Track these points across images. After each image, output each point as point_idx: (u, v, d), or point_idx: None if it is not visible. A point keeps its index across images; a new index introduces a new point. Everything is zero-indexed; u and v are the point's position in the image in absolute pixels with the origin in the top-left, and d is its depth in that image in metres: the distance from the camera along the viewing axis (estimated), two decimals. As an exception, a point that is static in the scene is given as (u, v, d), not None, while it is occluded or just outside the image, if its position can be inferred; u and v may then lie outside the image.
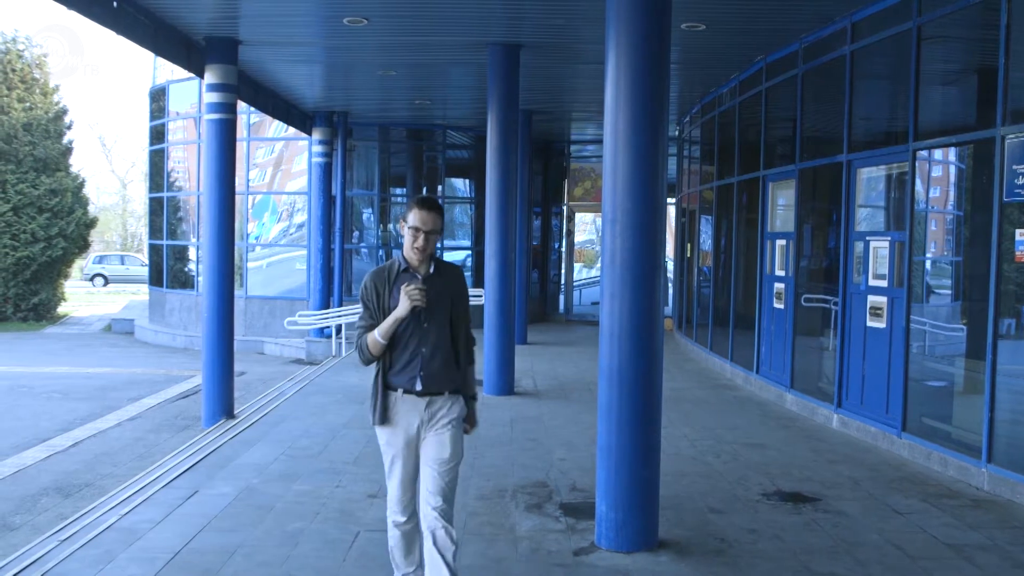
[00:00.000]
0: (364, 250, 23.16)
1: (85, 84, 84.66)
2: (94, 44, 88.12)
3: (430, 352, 4.92)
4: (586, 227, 41.55)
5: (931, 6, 9.10)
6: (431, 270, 4.98)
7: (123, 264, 50.29)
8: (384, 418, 4.96)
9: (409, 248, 4.89)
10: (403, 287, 4.76)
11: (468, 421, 5.22)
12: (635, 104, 6.45)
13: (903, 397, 9.40)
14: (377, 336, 4.85)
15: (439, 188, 23.63)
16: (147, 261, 28.28)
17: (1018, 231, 7.79)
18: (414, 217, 4.84)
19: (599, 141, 23.71)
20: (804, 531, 6.95)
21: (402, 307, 4.77)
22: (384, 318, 4.87)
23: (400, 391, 4.92)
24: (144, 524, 6.95)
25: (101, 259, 50.43)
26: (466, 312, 5.16)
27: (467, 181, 24.39)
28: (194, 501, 7.60)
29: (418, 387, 4.91)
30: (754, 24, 11.43)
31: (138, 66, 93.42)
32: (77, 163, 38.00)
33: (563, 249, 27.80)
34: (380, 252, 23.04)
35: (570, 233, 28.21)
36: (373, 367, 5.03)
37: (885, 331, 9.80)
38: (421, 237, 4.84)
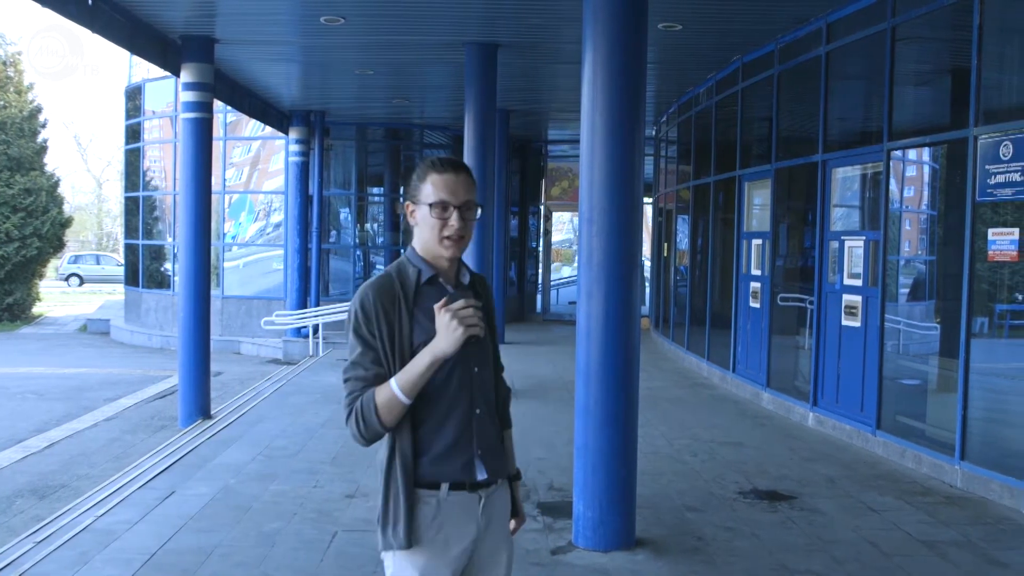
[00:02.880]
0: (356, 250, 23.10)
1: (62, 83, 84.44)
2: (94, 44, 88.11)
3: (486, 412, 3.07)
4: (563, 227, 41.62)
5: (905, 7, 9.17)
6: (464, 279, 3.10)
7: (98, 264, 49.99)
8: (415, 538, 2.93)
9: (435, 240, 2.95)
10: (440, 307, 2.82)
11: (513, 514, 3.29)
12: (612, 104, 6.47)
13: (878, 395, 9.47)
14: (398, 393, 2.84)
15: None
16: (123, 261, 28.16)
17: (991, 230, 7.87)
18: (436, 187, 2.94)
19: (576, 141, 23.75)
20: (780, 529, 7.00)
21: (448, 339, 2.80)
22: (401, 363, 2.90)
23: (444, 489, 2.94)
24: (120, 525, 6.92)
25: (76, 259, 50.10)
26: (497, 345, 3.30)
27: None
28: (171, 502, 7.58)
29: (480, 474, 3.00)
30: (730, 24, 11.48)
31: (120, 65, 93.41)
32: (52, 162, 37.75)
33: (540, 249, 27.83)
34: (358, 252, 23.00)
35: (547, 233, 28.26)
36: (381, 448, 2.99)
37: (860, 330, 9.87)
38: (454, 217, 2.93)
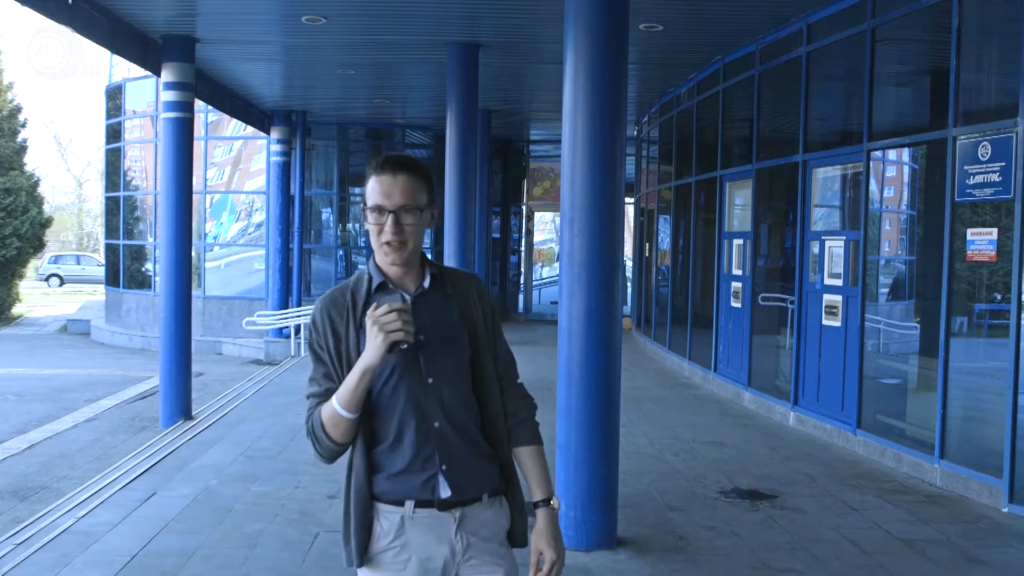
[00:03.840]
0: (338, 250, 23.06)
1: (62, 83, 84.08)
2: (94, 44, 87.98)
3: (448, 425, 2.82)
4: (545, 227, 41.68)
5: (884, 8, 9.22)
6: (425, 282, 2.88)
7: (79, 264, 49.70)
8: (367, 557, 2.82)
9: (376, 246, 2.81)
10: (369, 313, 2.66)
11: (545, 545, 2.98)
12: (593, 104, 6.49)
13: (858, 394, 9.52)
14: (338, 407, 2.71)
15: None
16: (103, 261, 28.01)
17: (970, 230, 7.92)
18: (372, 189, 2.79)
19: (558, 140, 23.73)
20: (761, 528, 7.02)
21: (371, 349, 2.65)
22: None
23: (409, 506, 2.80)
24: (101, 527, 6.89)
25: (57, 259, 49.83)
26: (501, 346, 3.07)
27: (427, 181, 24.32)
28: (152, 503, 7.56)
29: (443, 492, 2.80)
30: (712, 25, 11.51)
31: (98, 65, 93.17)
32: (32, 162, 37.57)
33: (522, 249, 27.86)
34: (339, 252, 22.96)
35: (529, 233, 28.29)
36: (343, 464, 2.90)
37: (840, 329, 9.91)
38: (389, 221, 2.74)
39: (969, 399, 8.31)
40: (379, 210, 2.75)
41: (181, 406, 11.56)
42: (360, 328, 2.78)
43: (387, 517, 2.80)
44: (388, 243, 2.75)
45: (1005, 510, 7.38)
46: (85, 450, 11.10)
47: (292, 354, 18.28)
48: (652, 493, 7.93)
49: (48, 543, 6.51)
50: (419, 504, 2.79)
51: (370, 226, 2.78)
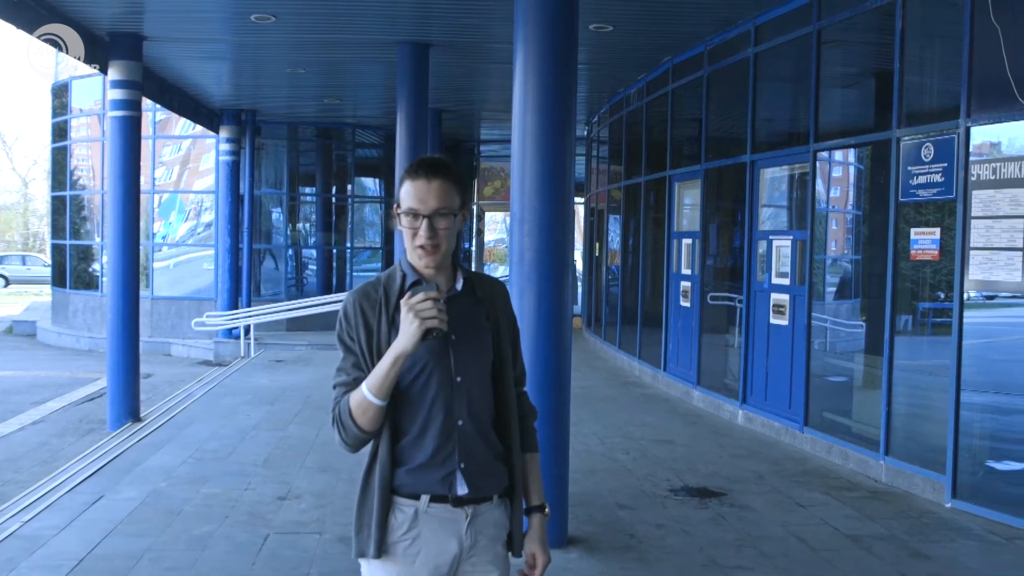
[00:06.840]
0: (288, 251, 22.90)
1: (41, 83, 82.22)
2: None
3: (471, 424, 2.90)
4: (496, 226, 41.68)
5: (830, 11, 9.33)
6: (458, 284, 2.97)
7: (24, 264, 49.02)
8: (383, 547, 2.87)
9: (409, 248, 2.88)
10: (404, 301, 2.73)
11: (532, 549, 3.11)
12: (542, 104, 6.51)
13: (805, 393, 9.63)
14: (367, 394, 2.75)
15: (349, 187, 23.57)
16: (50, 261, 27.60)
17: (913, 230, 8.05)
18: (407, 193, 2.83)
19: (509, 140, 23.74)
20: (710, 525, 7.09)
21: (404, 336, 2.71)
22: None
23: (424, 500, 2.86)
24: (48, 531, 6.81)
25: (1, 259, 49.17)
26: (517, 355, 3.15)
27: (377, 180, 24.33)
28: (99, 506, 7.48)
29: (461, 488, 2.87)
30: (661, 26, 11.58)
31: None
32: (-25, 161, 37.01)
33: (473, 249, 27.88)
34: (289, 252, 22.83)
35: (480, 232, 28.31)
36: (364, 457, 2.93)
37: (787, 328, 10.02)
38: (424, 226, 2.80)
39: (913, 396, 8.44)
40: (413, 214, 2.81)
41: (129, 408, 11.45)
42: (392, 323, 2.84)
43: (402, 510, 2.86)
44: (422, 247, 2.82)
45: (948, 505, 7.51)
46: (31, 453, 10.96)
47: (242, 355, 18.15)
48: (602, 492, 7.97)
49: (-7, 548, 6.44)
50: (434, 499, 2.86)
51: (404, 229, 2.85)
